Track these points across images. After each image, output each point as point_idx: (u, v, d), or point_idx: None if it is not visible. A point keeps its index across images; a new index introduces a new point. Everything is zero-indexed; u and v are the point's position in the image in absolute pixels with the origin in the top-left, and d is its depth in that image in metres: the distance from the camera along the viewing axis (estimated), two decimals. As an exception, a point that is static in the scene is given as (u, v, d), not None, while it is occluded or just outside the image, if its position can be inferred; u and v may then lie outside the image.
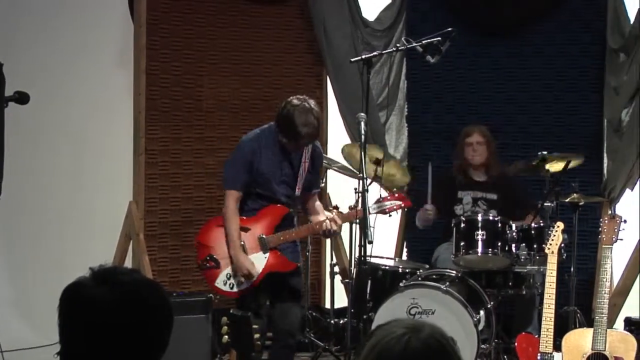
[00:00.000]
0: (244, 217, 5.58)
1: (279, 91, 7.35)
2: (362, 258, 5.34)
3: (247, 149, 5.55)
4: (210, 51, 7.11)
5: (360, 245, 5.30)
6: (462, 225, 6.20)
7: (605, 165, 7.16)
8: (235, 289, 5.59)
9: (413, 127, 7.65)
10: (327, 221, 5.54)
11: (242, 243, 5.54)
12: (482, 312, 6.03)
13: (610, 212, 6.79)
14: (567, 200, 6.23)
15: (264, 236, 5.56)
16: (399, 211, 6.06)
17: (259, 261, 5.55)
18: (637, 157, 6.89)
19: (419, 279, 6.17)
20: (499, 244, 6.12)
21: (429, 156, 7.19)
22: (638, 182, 6.95)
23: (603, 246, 5.43)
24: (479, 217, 6.24)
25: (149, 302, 2.15)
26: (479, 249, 6.14)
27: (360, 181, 5.27)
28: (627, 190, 7.01)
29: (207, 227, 5.71)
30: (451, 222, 6.32)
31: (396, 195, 5.89)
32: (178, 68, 6.99)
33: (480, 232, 6.13)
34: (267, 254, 5.57)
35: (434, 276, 6.24)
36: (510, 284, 6.28)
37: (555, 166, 6.31)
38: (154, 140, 6.90)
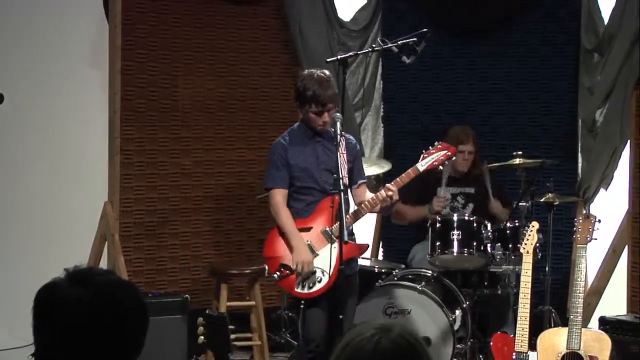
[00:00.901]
0: (301, 219, 5.55)
1: (254, 91, 7.35)
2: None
3: (276, 146, 5.56)
4: (185, 51, 7.09)
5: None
6: (438, 225, 6.21)
7: (579, 165, 7.19)
8: (315, 288, 5.47)
9: (389, 127, 7.66)
10: (382, 191, 5.52)
11: (309, 242, 5.47)
12: (457, 312, 6.05)
13: (584, 211, 6.82)
14: (542, 200, 6.26)
15: (327, 228, 5.53)
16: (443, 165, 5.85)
17: (328, 253, 5.49)
18: (611, 157, 6.93)
19: (395, 279, 6.19)
20: (475, 243, 6.14)
21: (405, 156, 7.20)
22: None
23: (577, 246, 5.44)
24: (455, 217, 6.25)
25: (124, 303, 2.14)
26: (455, 249, 6.15)
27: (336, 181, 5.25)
28: (602, 190, 7.05)
29: (269, 241, 5.59)
30: (427, 222, 6.33)
31: (439, 146, 5.81)
32: (153, 68, 6.97)
33: (455, 232, 6.15)
34: (335, 244, 5.53)
35: (410, 276, 6.25)
36: (485, 283, 6.31)
37: (530, 166, 6.33)
38: (129, 141, 6.88)
